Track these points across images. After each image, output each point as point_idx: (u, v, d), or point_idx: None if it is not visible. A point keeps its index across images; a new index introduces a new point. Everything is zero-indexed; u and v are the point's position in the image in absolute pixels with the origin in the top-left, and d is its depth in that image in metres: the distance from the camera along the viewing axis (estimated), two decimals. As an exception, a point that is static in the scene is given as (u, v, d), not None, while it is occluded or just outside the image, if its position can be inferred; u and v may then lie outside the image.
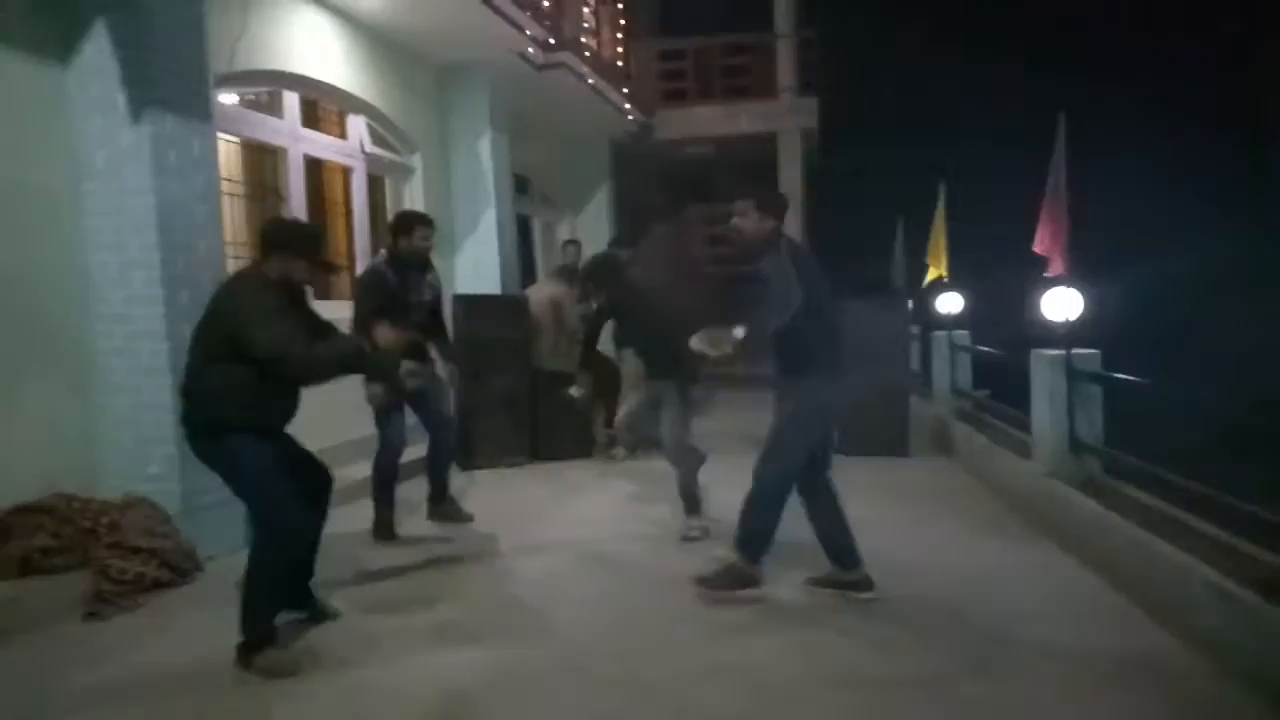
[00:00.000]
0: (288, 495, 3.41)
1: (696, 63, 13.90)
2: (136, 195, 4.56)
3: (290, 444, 3.66)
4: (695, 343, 3.72)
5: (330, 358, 3.39)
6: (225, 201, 5.56)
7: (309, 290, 3.82)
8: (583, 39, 9.97)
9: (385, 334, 3.60)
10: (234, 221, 6.22)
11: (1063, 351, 4.94)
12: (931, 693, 3.02)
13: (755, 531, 3.90)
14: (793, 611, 3.81)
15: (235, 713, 3.02)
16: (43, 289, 4.43)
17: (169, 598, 4.12)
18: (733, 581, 3.90)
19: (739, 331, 3.61)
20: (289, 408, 3.55)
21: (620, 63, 11.74)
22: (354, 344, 3.34)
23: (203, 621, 3.67)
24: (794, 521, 4.04)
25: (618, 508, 5.73)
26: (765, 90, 13.55)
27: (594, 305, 5.23)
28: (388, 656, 3.43)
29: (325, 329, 3.65)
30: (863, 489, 6.06)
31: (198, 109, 4.86)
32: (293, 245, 3.49)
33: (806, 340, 3.81)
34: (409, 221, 5.02)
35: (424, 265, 5.08)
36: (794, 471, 3.91)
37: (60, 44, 4.57)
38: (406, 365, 3.72)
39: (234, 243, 6.12)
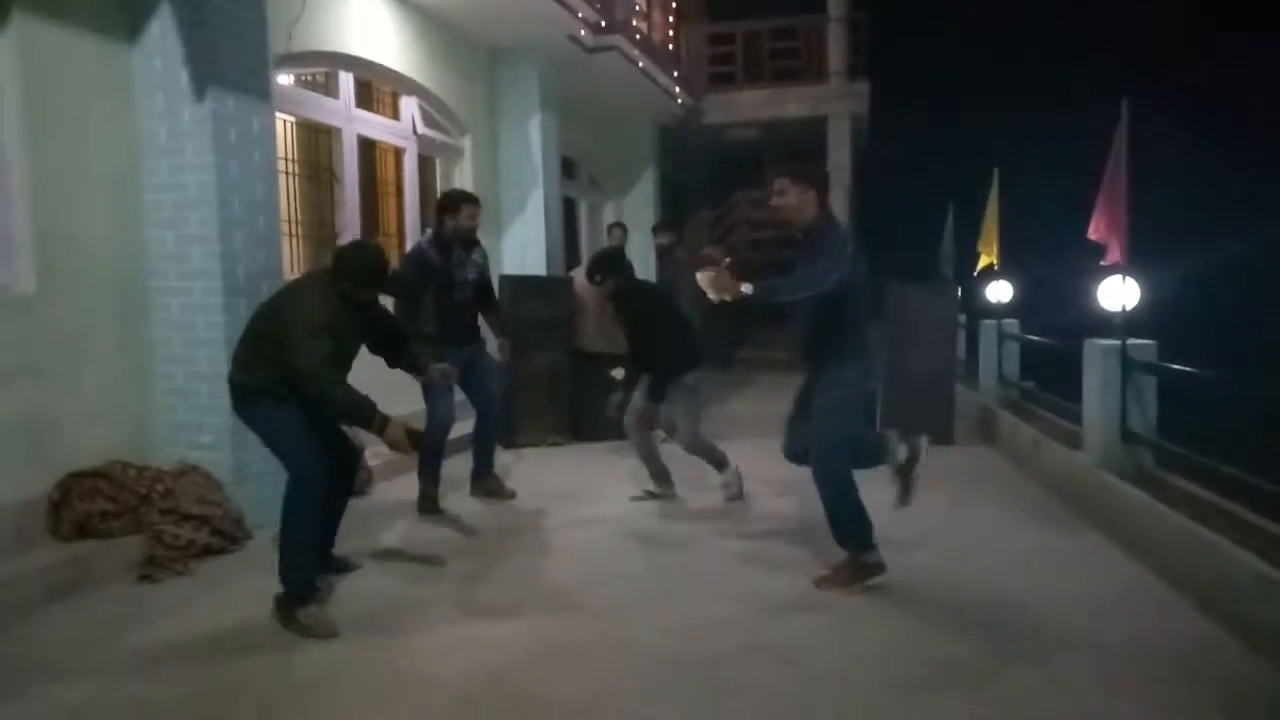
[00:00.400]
0: (312, 448, 3.58)
1: (745, 46, 13.80)
2: (197, 172, 4.66)
3: (323, 418, 3.77)
4: (700, 277, 3.69)
5: (343, 405, 3.47)
6: (281, 180, 5.67)
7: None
8: (634, 22, 9.95)
9: (396, 437, 3.54)
10: (290, 199, 6.35)
11: (1118, 341, 4.85)
12: (971, 678, 3.00)
13: (847, 523, 3.85)
14: (834, 593, 3.80)
15: (281, 673, 3.10)
16: (103, 263, 4.56)
17: (219, 563, 4.24)
18: (852, 576, 3.85)
19: (747, 288, 3.56)
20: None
21: (670, 46, 11.69)
22: (369, 407, 3.44)
23: (251, 587, 3.77)
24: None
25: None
26: (815, 74, 13.42)
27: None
28: (430, 626, 3.49)
29: (389, 329, 3.98)
30: (906, 476, 6.03)
31: (257, 88, 4.95)
32: (358, 274, 3.61)
33: (848, 320, 3.80)
34: (455, 200, 5.08)
35: (470, 243, 5.14)
36: (846, 451, 3.86)
37: (126, 23, 4.68)
38: (437, 367, 3.98)
39: (290, 220, 6.25)
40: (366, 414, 3.42)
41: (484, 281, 5.30)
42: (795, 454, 4.08)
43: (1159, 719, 2.72)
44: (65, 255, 4.35)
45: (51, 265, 4.29)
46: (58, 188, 4.33)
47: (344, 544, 4.22)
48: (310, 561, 3.58)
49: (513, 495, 5.39)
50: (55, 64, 4.34)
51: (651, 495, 5.40)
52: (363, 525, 4.85)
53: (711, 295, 3.63)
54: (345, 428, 3.95)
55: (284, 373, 3.46)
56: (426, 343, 4.85)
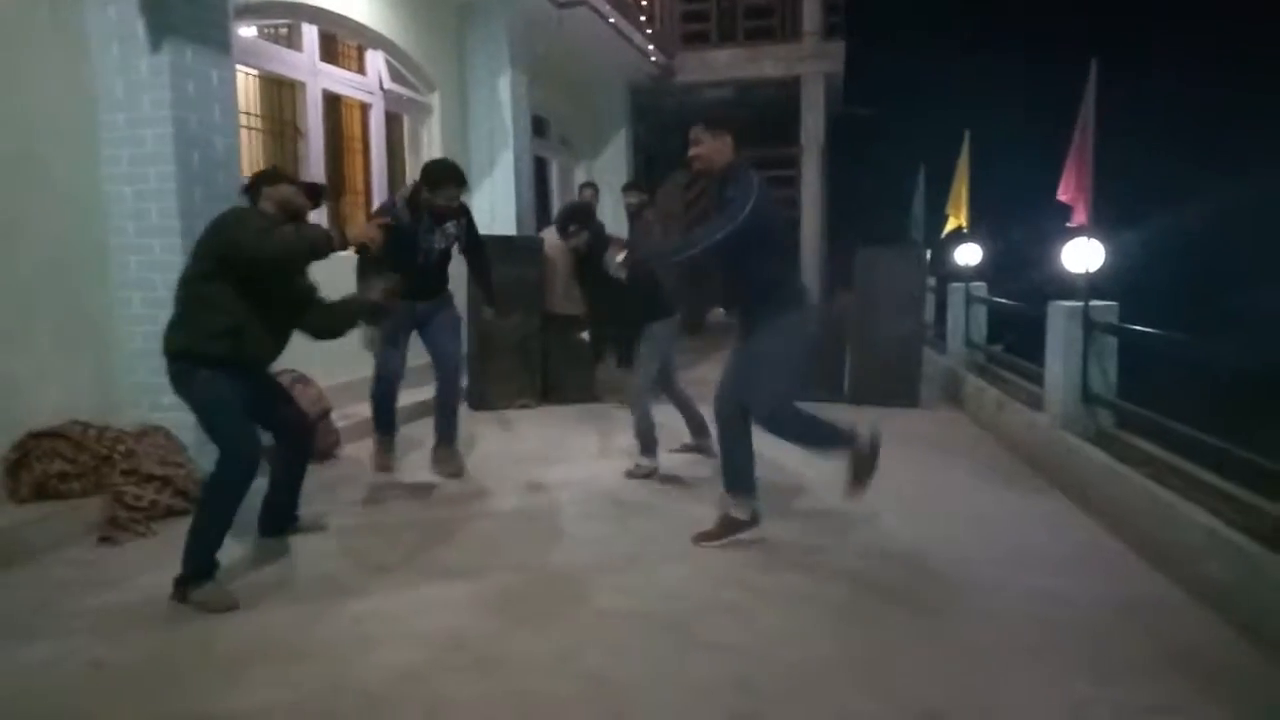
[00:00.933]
0: (244, 428, 3.47)
1: (719, 4, 13.63)
2: (154, 126, 4.56)
3: (269, 385, 3.78)
4: (609, 259, 3.75)
5: (308, 247, 3.40)
6: (244, 135, 5.55)
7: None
8: (604, -23, 9.78)
9: (357, 234, 3.70)
10: (252, 155, 6.22)
11: (1080, 303, 4.90)
12: (932, 635, 3.06)
13: (734, 468, 3.94)
14: (795, 552, 3.85)
15: (243, 633, 3.10)
16: (59, 219, 4.46)
17: (181, 524, 4.12)
18: (733, 528, 3.93)
19: (660, 248, 3.62)
20: (266, 341, 3.55)
21: (643, 3, 11.52)
22: (323, 237, 3.41)
23: (238, 543, 3.75)
24: (798, 461, 4.05)
25: (625, 450, 5.77)
26: (789, 33, 13.29)
27: (575, 248, 5.14)
28: (392, 587, 3.49)
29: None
30: (872, 437, 6.10)
31: (217, 40, 4.83)
32: (270, 178, 3.62)
33: (775, 270, 3.81)
34: (440, 179, 4.75)
35: (443, 217, 4.90)
36: (788, 399, 3.84)
37: (76, -30, 4.53)
38: (376, 284, 3.88)
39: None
40: (325, 244, 3.39)
41: (473, 246, 5.16)
42: (724, 414, 3.99)
43: (1109, 670, 2.79)
44: (19, 213, 4.25)
45: (6, 222, 4.18)
46: (10, 142, 4.21)
47: (308, 506, 4.21)
48: (219, 542, 3.42)
49: (457, 474, 5.13)
50: (4, 14, 4.19)
51: (653, 470, 5.11)
52: (328, 488, 4.84)
53: (618, 261, 3.67)
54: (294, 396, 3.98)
55: (225, 303, 3.34)
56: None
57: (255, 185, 3.63)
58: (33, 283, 4.32)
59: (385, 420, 5.13)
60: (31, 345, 4.31)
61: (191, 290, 3.42)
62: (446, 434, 5.20)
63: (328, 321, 3.80)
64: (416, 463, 5.30)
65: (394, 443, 5.20)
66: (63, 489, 4.10)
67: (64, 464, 4.13)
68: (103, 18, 4.57)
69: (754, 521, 3.95)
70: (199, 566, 3.35)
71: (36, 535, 3.88)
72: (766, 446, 4.07)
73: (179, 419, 4.58)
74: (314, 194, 3.76)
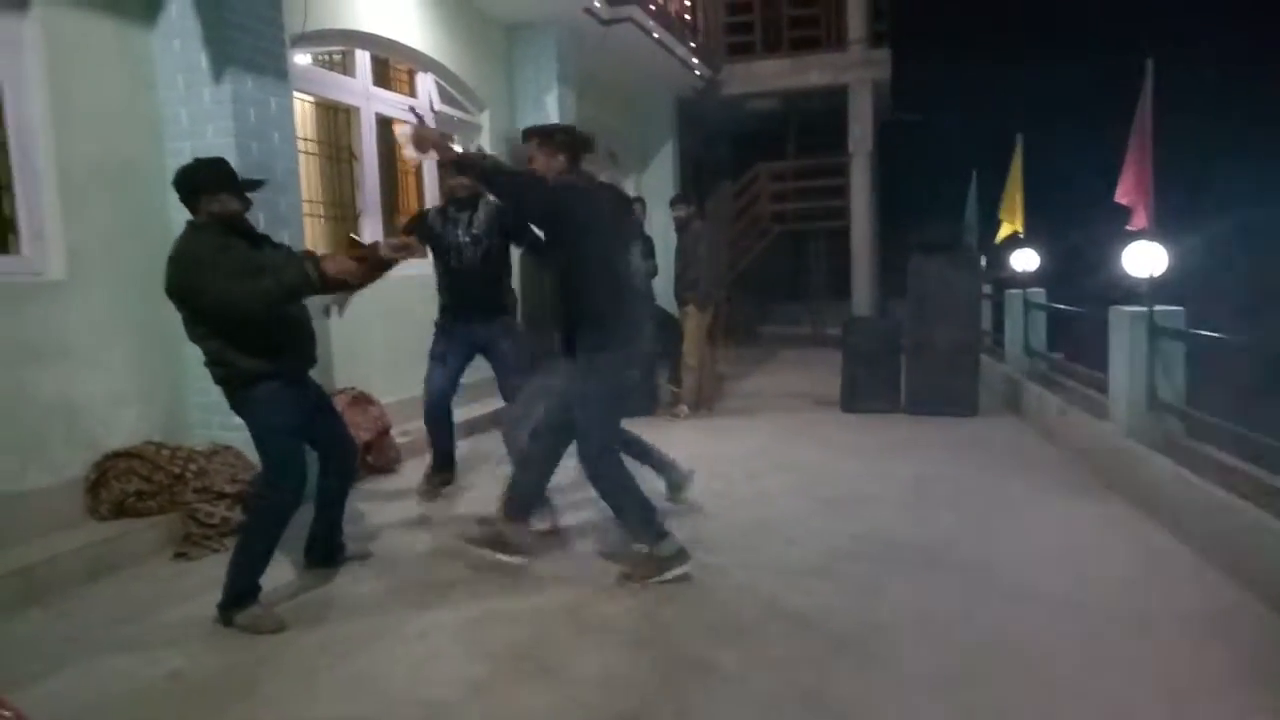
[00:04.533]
0: (296, 451, 3.48)
1: (764, 15, 13.65)
2: (218, 153, 4.66)
3: (321, 400, 3.78)
4: (399, 132, 3.56)
5: (286, 291, 3.25)
6: (301, 160, 5.69)
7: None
8: (649, -8, 9.85)
9: (341, 269, 3.35)
10: (310, 179, 6.38)
11: (1144, 309, 4.79)
12: (1003, 649, 3.01)
13: (632, 517, 3.69)
14: (855, 564, 3.82)
15: (315, 644, 3.17)
16: (131, 246, 4.61)
17: None
18: (651, 569, 3.63)
19: (455, 148, 3.46)
20: (297, 347, 3.53)
21: (687, 16, 11.58)
22: (301, 278, 3.21)
23: (281, 562, 3.83)
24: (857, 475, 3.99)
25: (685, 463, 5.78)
26: (835, 42, 13.25)
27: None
28: (453, 602, 3.54)
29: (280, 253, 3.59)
30: (930, 447, 6.04)
31: (275, 69, 4.98)
32: (206, 184, 3.33)
33: (598, 301, 3.57)
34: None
35: (465, 204, 4.79)
36: (612, 447, 3.68)
37: (144, 6, 4.70)
38: (388, 242, 3.60)
39: (310, 200, 6.28)
40: (306, 285, 3.23)
41: (513, 231, 4.83)
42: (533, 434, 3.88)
43: (1191, 685, 2.72)
44: (93, 240, 4.41)
45: (81, 250, 4.35)
46: (84, 173, 4.38)
47: (365, 521, 4.29)
48: (264, 566, 3.43)
49: (433, 497, 5.01)
50: (77, 49, 4.37)
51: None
52: (388, 500, 4.93)
53: (410, 154, 3.47)
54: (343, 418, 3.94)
55: (240, 348, 3.30)
56: (440, 312, 4.88)
57: (194, 193, 3.33)
58: (108, 309, 4.48)
59: (433, 442, 5.06)
60: (108, 370, 4.47)
61: (195, 334, 3.36)
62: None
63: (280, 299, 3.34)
64: (487, 475, 5.33)
65: (445, 466, 5.12)
66: (140, 507, 4.24)
67: (140, 483, 4.26)
68: (168, 50, 4.74)
69: (678, 559, 3.63)
70: (243, 590, 3.36)
71: (116, 551, 4.02)
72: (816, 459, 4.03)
73: (247, 438, 4.69)
74: (251, 189, 3.49)
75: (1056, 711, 2.61)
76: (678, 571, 3.61)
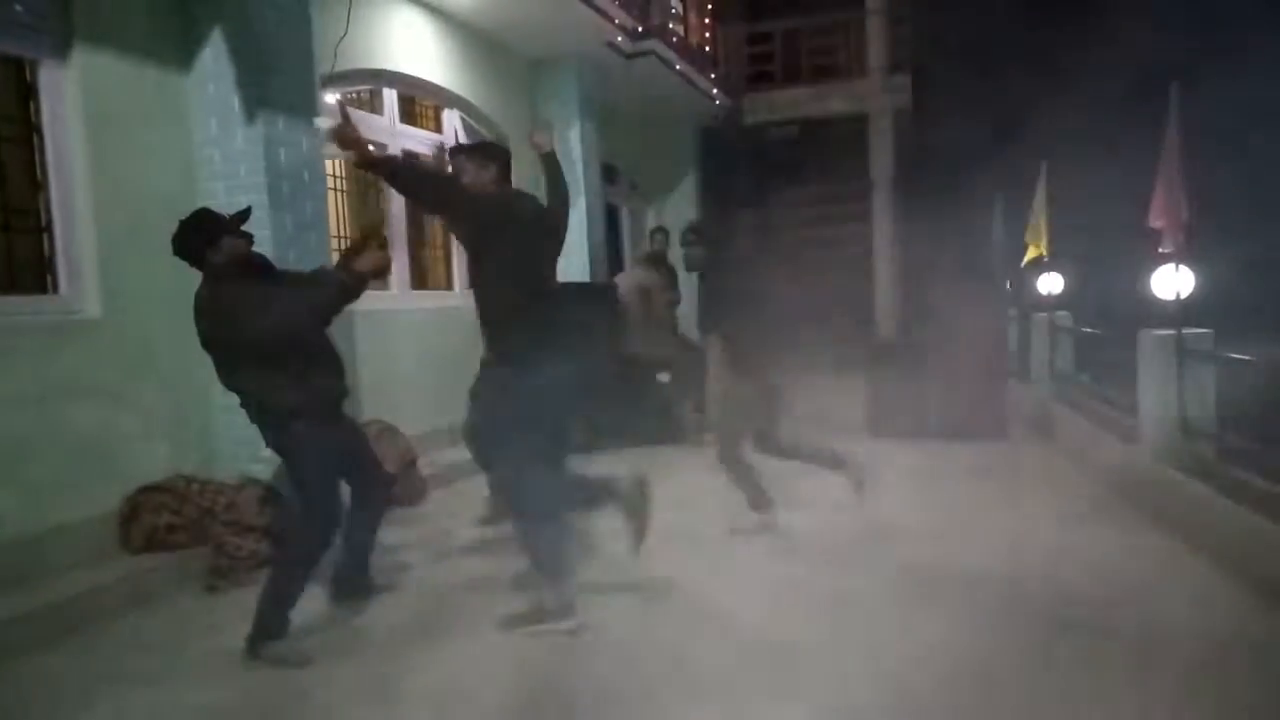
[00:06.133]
0: (331, 487, 3.53)
1: (785, 45, 13.74)
2: (250, 193, 4.80)
3: (354, 432, 3.83)
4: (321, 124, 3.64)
5: (337, 301, 3.38)
6: (330, 197, 5.81)
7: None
8: (670, 25, 9.98)
9: (367, 266, 3.47)
10: (339, 216, 6.50)
11: (1173, 331, 4.75)
12: (1037, 678, 2.97)
13: (539, 554, 3.53)
14: (895, 585, 3.79)
15: (343, 677, 3.18)
16: (164, 284, 4.68)
17: None
18: (539, 615, 3.48)
19: (373, 149, 3.43)
20: (330, 379, 3.57)
21: (708, 48, 11.70)
22: (337, 285, 3.35)
23: (309, 595, 3.85)
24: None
25: (706, 493, 5.76)
26: (855, 70, 13.31)
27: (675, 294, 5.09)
28: (483, 633, 3.53)
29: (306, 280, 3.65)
30: (959, 473, 5.99)
31: (306, 109, 5.10)
32: (204, 237, 3.39)
33: (506, 310, 3.50)
34: None
35: None
36: (530, 474, 3.45)
37: (180, 50, 4.84)
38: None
39: (339, 237, 6.40)
40: (342, 289, 3.36)
41: None
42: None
43: (1230, 714, 2.66)
44: (128, 278, 4.52)
45: (116, 288, 4.46)
46: (120, 213, 4.50)
47: (394, 555, 4.31)
48: (295, 601, 3.45)
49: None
50: (114, 92, 4.51)
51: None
52: (412, 536, 4.95)
53: (331, 151, 3.46)
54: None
55: (266, 370, 3.34)
56: None
57: (197, 252, 3.39)
58: (142, 346, 4.57)
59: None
60: (141, 405, 4.56)
61: (232, 377, 3.42)
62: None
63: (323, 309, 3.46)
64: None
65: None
66: (170, 540, 4.30)
67: (171, 516, 4.33)
68: (203, 94, 4.87)
69: (564, 614, 3.45)
70: (272, 624, 3.38)
71: (148, 584, 4.08)
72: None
73: (276, 470, 4.77)
74: (243, 222, 3.54)
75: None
76: (560, 626, 3.41)
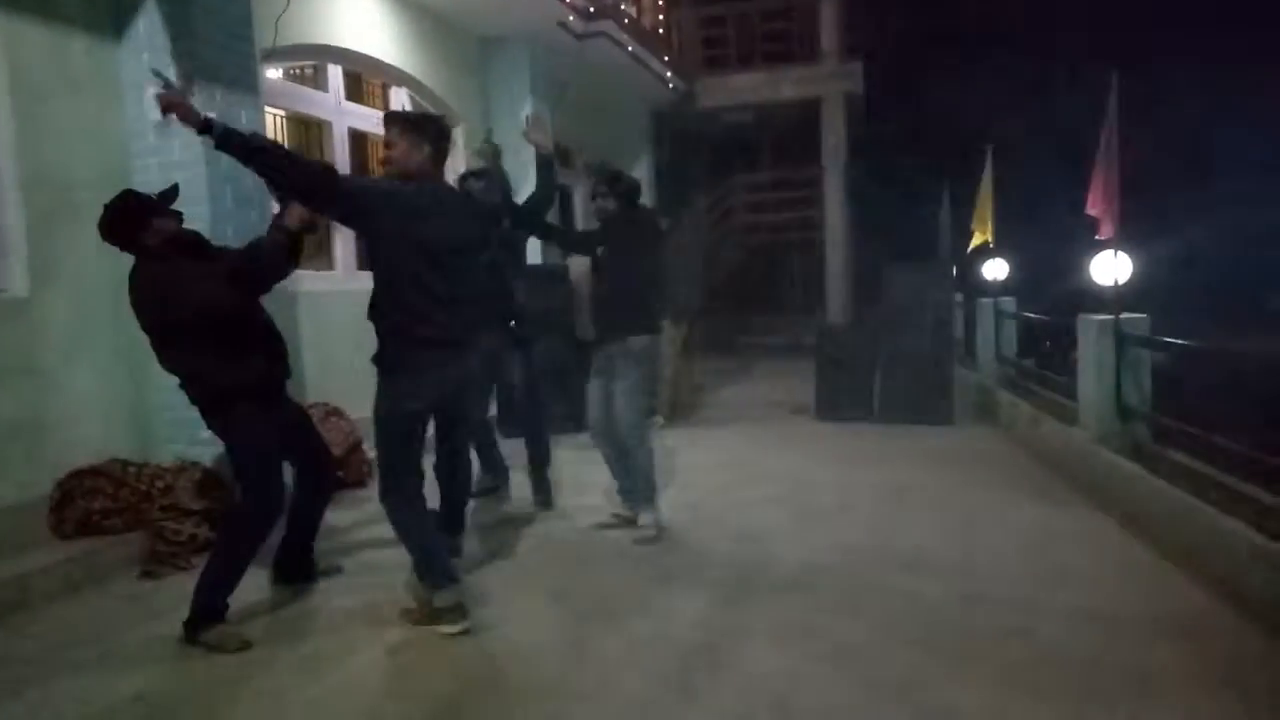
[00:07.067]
0: (274, 470, 3.46)
1: (738, 28, 13.73)
2: (187, 168, 4.66)
3: (297, 414, 3.76)
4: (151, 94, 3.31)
5: (276, 252, 3.28)
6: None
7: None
8: (623, 6, 9.90)
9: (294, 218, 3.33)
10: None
11: (1111, 316, 4.85)
12: (971, 654, 3.02)
13: (416, 556, 3.37)
14: (835, 571, 3.83)
15: (284, 662, 3.13)
16: (96, 262, 4.55)
17: None
18: (424, 614, 3.38)
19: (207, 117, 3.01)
20: (271, 360, 3.52)
21: (661, 30, 11.64)
22: (270, 240, 3.25)
23: (251, 580, 3.77)
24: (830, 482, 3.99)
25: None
26: (808, 55, 13.36)
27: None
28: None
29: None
30: (904, 455, 6.08)
31: (245, 82, 4.96)
32: (132, 220, 3.32)
33: (391, 314, 3.28)
34: None
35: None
36: (401, 473, 3.35)
37: (112, 20, 4.68)
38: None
39: (281, 215, 6.25)
40: (278, 248, 3.28)
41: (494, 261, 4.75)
42: None
43: (1155, 688, 2.73)
44: (58, 256, 4.37)
45: (45, 267, 4.30)
46: (48, 189, 4.34)
47: (338, 538, 4.25)
48: (234, 585, 3.38)
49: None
50: (42, 63, 4.34)
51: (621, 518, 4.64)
52: (356, 518, 4.89)
53: (155, 118, 3.29)
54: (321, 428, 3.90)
55: (206, 348, 3.26)
56: None
57: (127, 235, 3.31)
58: (74, 325, 4.43)
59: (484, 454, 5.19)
60: (72, 387, 4.42)
61: (170, 355, 3.35)
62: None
63: (270, 274, 3.39)
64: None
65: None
66: (105, 525, 4.18)
67: (105, 501, 4.21)
68: (136, 64, 4.70)
69: (452, 615, 3.30)
70: (210, 608, 3.31)
71: (81, 570, 3.96)
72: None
73: (215, 454, 4.67)
74: (170, 201, 3.44)
75: (1016, 708, 2.62)
76: (448, 629, 3.27)
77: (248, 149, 3.02)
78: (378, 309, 3.32)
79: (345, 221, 3.53)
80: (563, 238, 5.29)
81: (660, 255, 5.03)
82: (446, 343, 3.31)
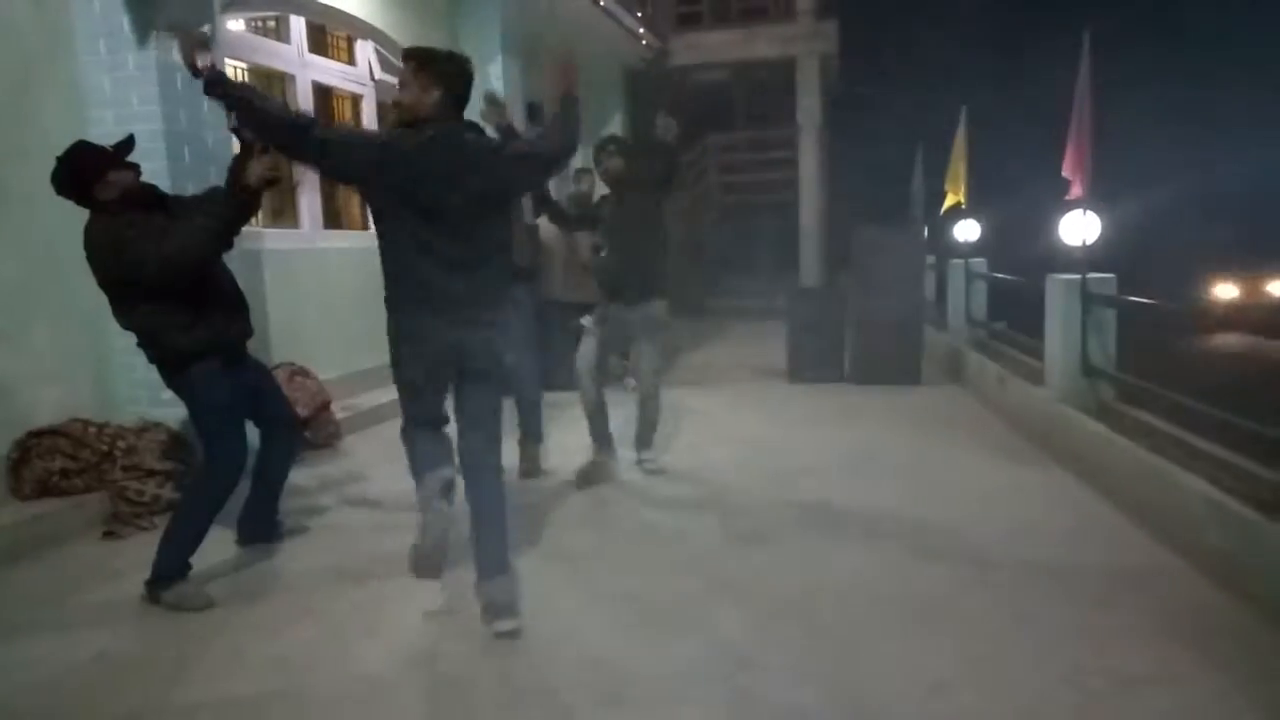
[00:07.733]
0: (236, 431, 3.42)
1: (712, -15, 13.56)
2: (143, 122, 4.53)
3: (261, 375, 3.71)
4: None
5: (221, 227, 3.19)
6: (233, 128, 5.53)
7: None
8: (595, -40, 9.72)
9: (255, 174, 3.23)
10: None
11: (1078, 276, 4.88)
12: (933, 608, 3.06)
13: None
14: (796, 528, 3.86)
15: (248, 620, 3.11)
16: (50, 218, 4.43)
17: None
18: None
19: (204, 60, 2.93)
20: (231, 318, 3.45)
21: (634, -14, 11.46)
22: (222, 207, 3.17)
23: (215, 541, 3.73)
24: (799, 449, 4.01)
25: (627, 437, 5.78)
26: (783, 13, 13.22)
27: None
28: (390, 575, 3.44)
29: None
30: (873, 416, 6.12)
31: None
32: (88, 172, 3.23)
33: (387, 263, 2.98)
34: None
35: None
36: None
37: (62, -33, 4.51)
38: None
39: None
40: (236, 207, 3.21)
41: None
42: None
43: (1107, 638, 2.79)
44: (10, 213, 4.24)
45: (-4, 222, 4.18)
46: (-1, 142, 4.20)
47: (304, 498, 4.22)
48: (195, 546, 3.34)
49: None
50: (-12, 11, 4.18)
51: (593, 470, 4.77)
52: (323, 479, 4.86)
53: (181, 56, 3.01)
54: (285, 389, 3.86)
55: (167, 305, 3.20)
56: None
57: (82, 189, 3.23)
58: (28, 283, 4.32)
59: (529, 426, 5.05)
60: (29, 345, 4.32)
61: (127, 313, 3.28)
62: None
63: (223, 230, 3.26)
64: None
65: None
66: (65, 486, 4.12)
67: (65, 461, 4.14)
68: (88, 13, 4.55)
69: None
70: (172, 568, 3.28)
71: (40, 531, 3.90)
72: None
73: (179, 414, 4.59)
74: (127, 152, 3.34)
75: (979, 657, 2.66)
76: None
77: (229, 103, 2.92)
78: (383, 275, 2.98)
79: (326, 176, 3.34)
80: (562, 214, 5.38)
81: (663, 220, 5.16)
82: (448, 309, 2.91)
